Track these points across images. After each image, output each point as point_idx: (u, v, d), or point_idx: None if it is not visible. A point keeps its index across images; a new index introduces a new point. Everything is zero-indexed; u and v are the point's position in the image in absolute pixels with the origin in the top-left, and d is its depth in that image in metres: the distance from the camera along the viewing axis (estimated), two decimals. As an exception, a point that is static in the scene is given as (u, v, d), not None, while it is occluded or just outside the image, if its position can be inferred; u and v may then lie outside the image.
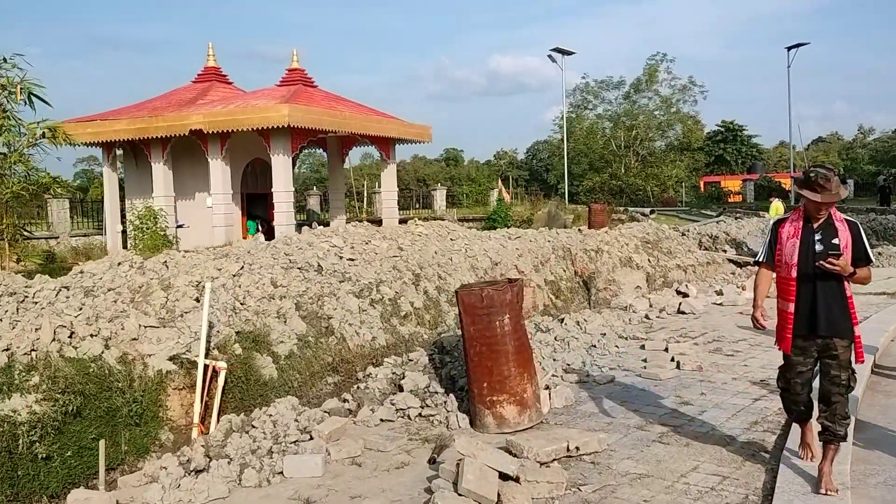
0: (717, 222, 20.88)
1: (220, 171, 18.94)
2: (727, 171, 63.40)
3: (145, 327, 6.66)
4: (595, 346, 8.17)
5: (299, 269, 9.10)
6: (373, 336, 8.95)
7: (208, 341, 6.96)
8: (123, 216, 21.14)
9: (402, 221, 30.15)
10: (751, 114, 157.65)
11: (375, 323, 9.21)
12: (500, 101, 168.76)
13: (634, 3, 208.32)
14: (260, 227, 21.24)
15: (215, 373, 6.59)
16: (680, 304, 10.93)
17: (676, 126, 51.98)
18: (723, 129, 66.65)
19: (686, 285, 13.08)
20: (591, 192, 46.26)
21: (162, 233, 18.24)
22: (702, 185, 55.45)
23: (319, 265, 9.37)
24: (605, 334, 9.13)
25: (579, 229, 15.83)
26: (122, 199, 22.31)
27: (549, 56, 31.57)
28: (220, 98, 20.20)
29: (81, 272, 7.20)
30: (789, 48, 39.21)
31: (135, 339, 6.60)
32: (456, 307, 6.76)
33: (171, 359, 6.58)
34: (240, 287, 8.02)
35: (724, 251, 18.89)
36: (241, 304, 7.85)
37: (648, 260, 15.96)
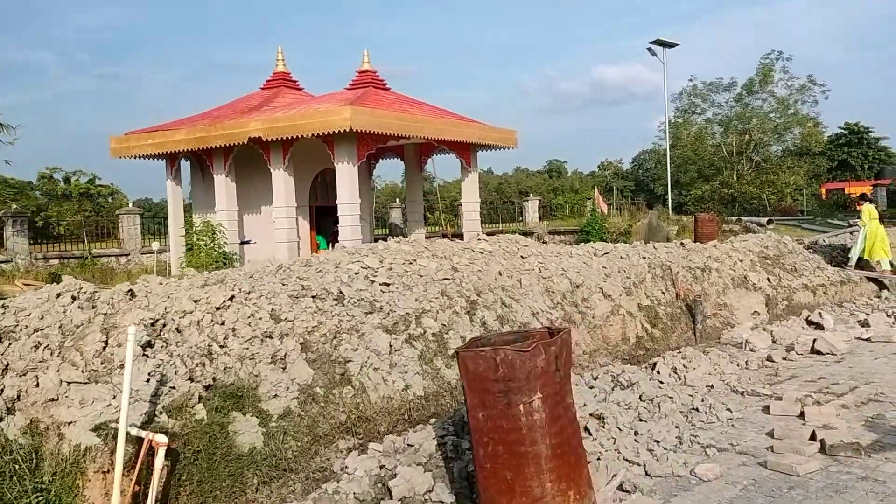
0: (852, 233, 17.76)
1: (282, 182, 17.50)
2: (852, 176, 57.86)
3: (68, 384, 4.95)
4: (697, 410, 5.85)
5: (313, 297, 7.24)
6: (406, 384, 6.98)
7: (153, 403, 5.17)
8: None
9: (490, 235, 28.17)
10: (877, 117, 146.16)
11: (411, 366, 7.24)
12: (606, 111, 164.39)
13: (747, 8, 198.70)
14: (333, 243, 19.76)
15: (154, 449, 4.79)
16: (814, 340, 8.37)
17: (794, 129, 47.57)
18: (846, 132, 61.01)
19: (819, 313, 10.41)
20: (699, 202, 42.80)
21: (220, 249, 16.95)
22: (824, 193, 50.60)
23: (341, 292, 7.47)
24: (712, 387, 6.79)
25: (682, 243, 13.34)
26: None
27: (649, 49, 28.79)
28: (285, 104, 18.84)
29: (3, 307, 5.56)
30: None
31: (53, 399, 4.88)
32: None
33: (95, 429, 4.83)
34: (222, 324, 6.21)
35: (861, 268, 15.82)
36: (221, 346, 6.03)
37: (768, 279, 13.27)
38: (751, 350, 8.65)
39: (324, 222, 20.30)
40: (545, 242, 25.69)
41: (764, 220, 26.25)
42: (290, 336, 6.56)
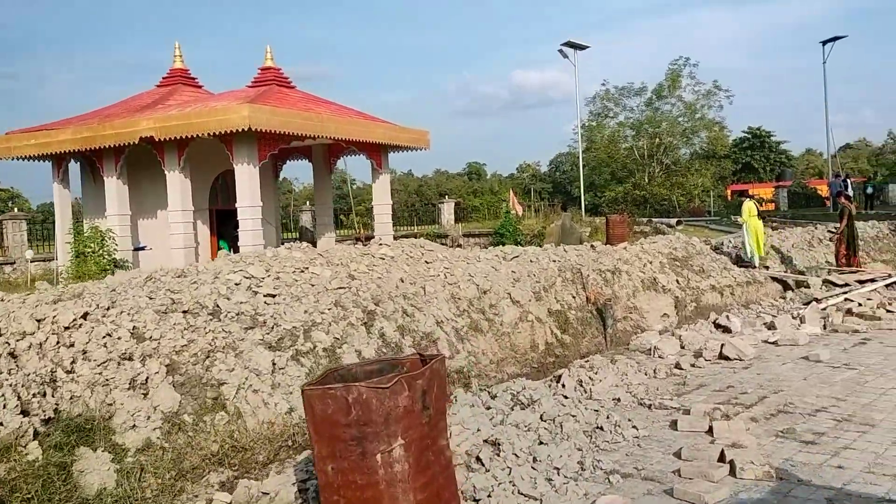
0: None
1: (178, 184, 16.42)
2: (755, 178, 60.19)
3: None
4: (602, 429, 5.43)
5: (185, 312, 6.49)
6: (290, 406, 6.35)
7: (-31, 445, 4.37)
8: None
9: (404, 238, 27.59)
10: (777, 122, 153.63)
11: (297, 386, 6.59)
12: (524, 114, 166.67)
13: (659, 17, 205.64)
14: (235, 248, 18.76)
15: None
16: (722, 346, 8.14)
17: (701, 133, 49.02)
18: (750, 136, 63.53)
19: (727, 316, 10.27)
20: (613, 203, 43.51)
21: (110, 257, 15.76)
22: (729, 194, 52.35)
23: (217, 306, 6.75)
24: (618, 401, 6.40)
25: (592, 245, 13.10)
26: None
27: (560, 51, 28.79)
28: (181, 102, 17.73)
29: None
30: (824, 42, 36.15)
31: None
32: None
33: None
34: (70, 346, 5.42)
35: (766, 268, 16.01)
36: (68, 372, 5.24)
37: (677, 281, 13.18)
38: (659, 357, 8.36)
39: (226, 227, 19.28)
40: (459, 245, 25.28)
41: (673, 220, 26.63)
42: (153, 357, 5.82)
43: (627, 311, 12.09)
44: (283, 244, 19.41)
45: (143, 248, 18.13)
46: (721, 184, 54.04)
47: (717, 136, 49.75)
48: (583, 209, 30.56)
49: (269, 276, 7.76)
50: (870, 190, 38.47)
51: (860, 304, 11.00)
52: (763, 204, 46.39)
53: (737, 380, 7.11)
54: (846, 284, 12.52)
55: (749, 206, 16.49)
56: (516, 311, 10.18)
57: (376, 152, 20.27)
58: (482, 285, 10.19)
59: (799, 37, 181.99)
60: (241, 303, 6.93)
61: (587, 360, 8.29)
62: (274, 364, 6.60)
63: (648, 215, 35.95)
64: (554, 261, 11.91)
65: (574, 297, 11.50)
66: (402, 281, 9.36)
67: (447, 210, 30.37)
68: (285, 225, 31.12)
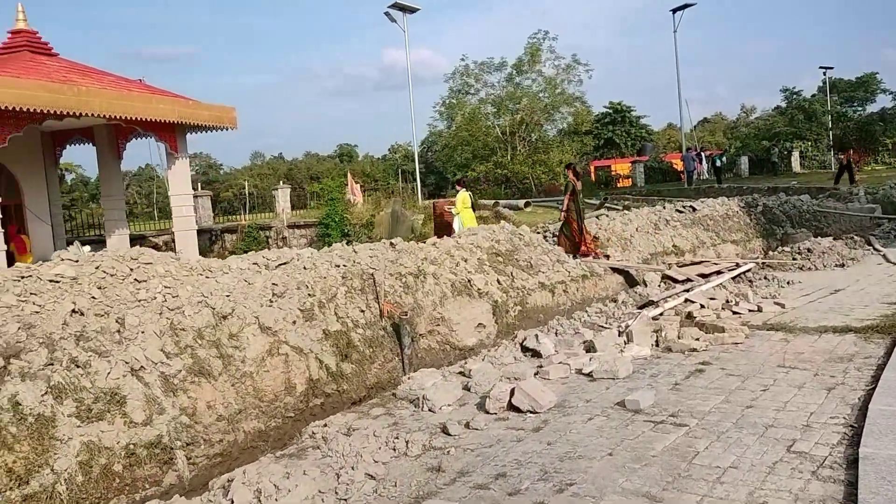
0: (598, 217, 16.07)
1: None
2: (617, 154, 60.36)
3: None
4: None
5: None
6: None
7: None
8: None
9: (229, 230, 24.38)
10: (638, 98, 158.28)
11: None
12: (396, 95, 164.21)
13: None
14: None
15: None
16: (512, 391, 5.84)
17: (563, 109, 47.94)
18: (611, 111, 63.60)
19: (536, 336, 8.06)
20: (475, 184, 41.75)
21: None
22: (592, 170, 51.87)
23: None
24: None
25: (391, 243, 10.68)
26: None
27: (387, 14, 26.16)
28: None
29: None
30: (674, 10, 35.50)
31: None
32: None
33: None
34: None
35: (607, 256, 14.17)
36: None
37: (498, 281, 10.99)
38: (429, 410, 5.99)
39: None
40: (284, 238, 22.39)
41: (521, 202, 24.76)
42: None
43: (433, 324, 9.78)
44: (68, 244, 15.89)
45: None
46: (584, 160, 53.51)
47: (580, 111, 48.85)
48: (419, 193, 28.21)
49: None
50: (718, 163, 38.35)
51: (702, 306, 9.13)
52: (620, 180, 46.00)
53: (516, 458, 4.81)
54: (687, 280, 10.73)
55: (464, 197, 16.41)
56: (265, 340, 7.62)
57: (169, 133, 17.06)
58: (221, 308, 7.57)
59: (656, 16, 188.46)
60: None
61: (326, 424, 5.85)
62: None
63: (507, 196, 34.24)
64: (337, 266, 9.42)
65: (363, 312, 9.07)
66: (81, 313, 6.58)
67: (282, 197, 27.27)
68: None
